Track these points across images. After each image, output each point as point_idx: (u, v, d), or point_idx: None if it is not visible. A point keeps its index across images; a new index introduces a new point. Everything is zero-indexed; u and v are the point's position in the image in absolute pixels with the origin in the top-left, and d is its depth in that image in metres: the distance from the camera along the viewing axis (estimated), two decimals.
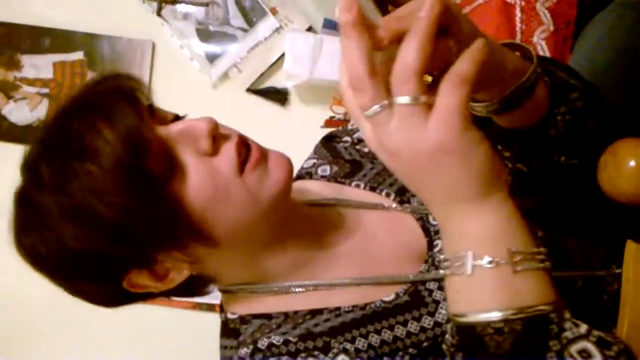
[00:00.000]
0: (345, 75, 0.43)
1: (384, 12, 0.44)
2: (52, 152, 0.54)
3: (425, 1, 0.41)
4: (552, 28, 0.95)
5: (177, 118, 0.59)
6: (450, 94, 0.41)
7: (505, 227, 0.44)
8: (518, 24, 0.97)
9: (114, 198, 0.51)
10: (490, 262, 0.43)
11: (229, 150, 0.56)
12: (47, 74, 1.57)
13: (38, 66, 1.57)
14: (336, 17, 0.42)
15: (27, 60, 1.57)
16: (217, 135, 0.56)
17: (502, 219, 0.44)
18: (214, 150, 0.55)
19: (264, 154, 0.58)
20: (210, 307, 1.64)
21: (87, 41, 1.56)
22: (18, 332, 1.63)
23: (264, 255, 0.60)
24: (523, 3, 0.97)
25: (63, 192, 0.52)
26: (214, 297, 1.77)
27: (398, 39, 0.42)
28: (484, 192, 0.44)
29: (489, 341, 0.42)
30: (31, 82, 1.57)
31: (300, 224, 0.63)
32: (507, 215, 0.45)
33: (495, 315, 0.42)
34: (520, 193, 0.49)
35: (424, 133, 0.41)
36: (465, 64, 0.41)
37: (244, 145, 0.57)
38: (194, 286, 0.61)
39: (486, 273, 0.43)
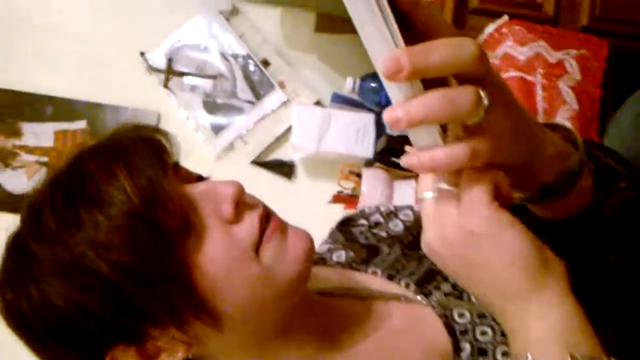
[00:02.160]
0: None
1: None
2: (60, 196, 0.48)
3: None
4: (576, 107, 0.92)
5: (201, 179, 0.54)
6: (473, 185, 0.41)
7: (565, 329, 0.41)
8: (540, 103, 0.94)
9: (117, 255, 0.45)
10: None
11: (251, 221, 0.51)
12: (48, 142, 1.54)
13: (39, 134, 1.54)
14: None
15: (27, 128, 1.54)
16: (240, 202, 0.51)
17: (561, 320, 0.41)
18: (236, 218, 0.51)
19: (283, 225, 0.53)
20: None
21: (90, 110, 1.54)
22: None
23: (270, 346, 0.54)
24: (544, 81, 0.94)
25: (62, 243, 0.46)
26: None
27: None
28: (531, 286, 0.41)
29: None
30: (30, 150, 1.54)
31: (312, 314, 0.57)
32: (565, 315, 0.41)
33: None
34: None
35: (453, 219, 0.42)
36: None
37: (266, 217, 0.52)
38: None
39: None
